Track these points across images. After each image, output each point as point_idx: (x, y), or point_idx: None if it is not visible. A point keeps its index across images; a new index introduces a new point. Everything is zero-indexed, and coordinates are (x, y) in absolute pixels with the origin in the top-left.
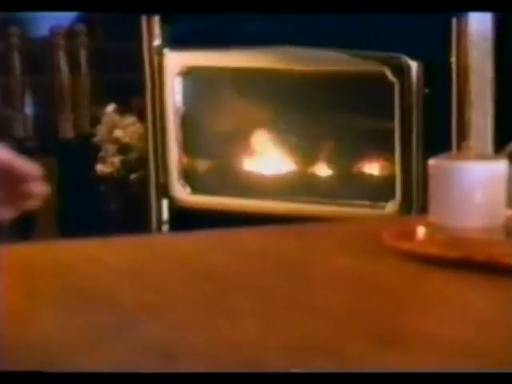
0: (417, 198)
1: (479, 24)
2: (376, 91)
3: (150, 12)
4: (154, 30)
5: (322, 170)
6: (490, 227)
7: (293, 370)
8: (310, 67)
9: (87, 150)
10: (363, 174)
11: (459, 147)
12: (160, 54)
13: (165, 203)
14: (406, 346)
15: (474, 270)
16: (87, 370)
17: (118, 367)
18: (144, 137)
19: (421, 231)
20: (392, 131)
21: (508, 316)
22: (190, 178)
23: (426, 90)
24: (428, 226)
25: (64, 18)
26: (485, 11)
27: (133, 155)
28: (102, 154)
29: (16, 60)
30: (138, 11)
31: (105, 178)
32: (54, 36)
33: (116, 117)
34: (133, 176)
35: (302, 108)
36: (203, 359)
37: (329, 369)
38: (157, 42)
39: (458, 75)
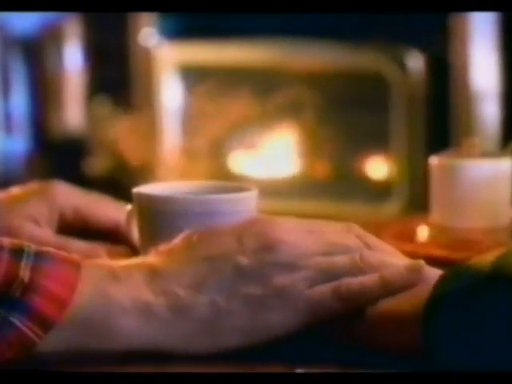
0: (419, 197)
1: (481, 18)
2: (375, 88)
3: (143, 10)
4: (148, 25)
5: (322, 169)
6: (495, 227)
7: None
8: (308, 63)
9: (78, 148)
10: (364, 173)
11: (462, 144)
12: (153, 49)
13: None
14: None
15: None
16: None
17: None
18: (138, 134)
19: (423, 232)
20: (392, 129)
21: None
22: (186, 176)
23: (429, 87)
24: (430, 226)
25: (54, 12)
26: (488, 11)
27: (126, 153)
28: (93, 152)
29: (5, 55)
30: (132, 10)
31: (96, 178)
32: (45, 30)
33: (108, 114)
34: (126, 175)
35: (300, 106)
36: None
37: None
38: (150, 36)
39: (461, 70)
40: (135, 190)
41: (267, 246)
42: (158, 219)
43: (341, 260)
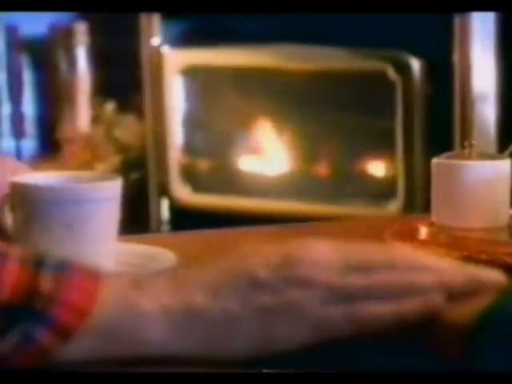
0: (419, 197)
1: (482, 22)
2: (378, 90)
3: (150, 10)
4: (153, 28)
5: (324, 169)
6: (494, 227)
7: (288, 371)
8: (311, 65)
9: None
10: (365, 174)
11: (462, 146)
12: (160, 52)
13: (164, 203)
14: None
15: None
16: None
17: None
18: (144, 136)
19: (423, 231)
20: (394, 130)
21: None
22: (190, 177)
23: (429, 89)
24: (431, 225)
25: (63, 16)
26: (487, 11)
27: (132, 154)
28: (101, 153)
29: (15, 57)
30: (138, 10)
31: None
32: (53, 34)
33: (115, 116)
34: (132, 175)
35: (303, 107)
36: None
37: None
38: (156, 39)
39: (461, 73)
40: (13, 178)
41: (287, 262)
42: (27, 207)
43: (356, 281)
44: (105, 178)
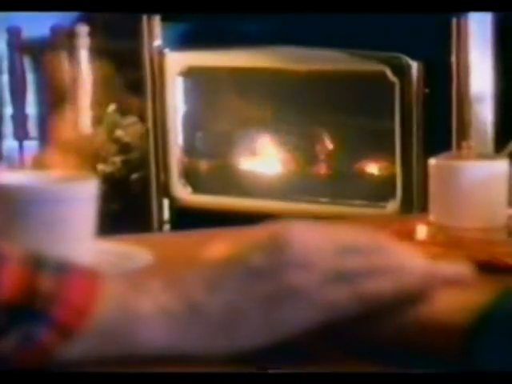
0: (417, 197)
1: (479, 24)
2: (376, 91)
3: (151, 12)
4: (154, 30)
5: (323, 169)
6: (491, 227)
7: (286, 371)
8: (310, 67)
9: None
10: (364, 174)
11: (459, 147)
12: (161, 54)
13: (166, 203)
14: None
15: (475, 269)
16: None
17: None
18: (145, 137)
19: (421, 231)
20: (392, 131)
21: None
22: (191, 177)
23: (426, 90)
24: (429, 225)
25: (65, 18)
26: (485, 11)
27: (134, 155)
28: (102, 153)
29: (17, 59)
30: (139, 11)
31: (106, 178)
32: (56, 35)
33: (117, 117)
34: (134, 176)
35: (303, 108)
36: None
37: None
38: (157, 41)
39: (458, 75)
40: None
41: (280, 246)
42: (4, 207)
43: (354, 261)
44: (81, 177)
